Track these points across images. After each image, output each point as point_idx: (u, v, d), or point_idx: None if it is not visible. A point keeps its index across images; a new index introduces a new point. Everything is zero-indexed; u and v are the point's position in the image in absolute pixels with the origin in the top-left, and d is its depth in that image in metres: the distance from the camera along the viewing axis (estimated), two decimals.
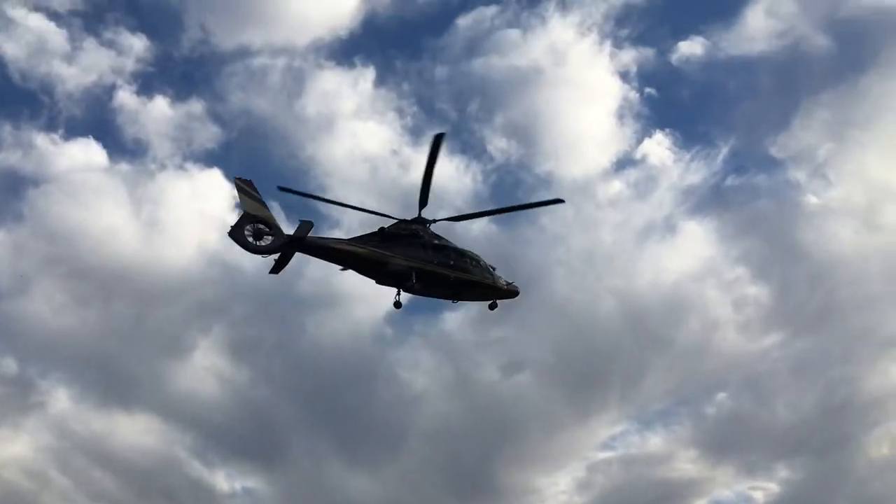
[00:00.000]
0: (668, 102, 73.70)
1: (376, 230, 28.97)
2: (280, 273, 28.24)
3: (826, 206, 65.57)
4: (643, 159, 69.16)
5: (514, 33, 68.90)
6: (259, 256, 26.99)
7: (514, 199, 61.42)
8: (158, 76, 73.85)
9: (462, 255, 29.59)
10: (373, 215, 29.82)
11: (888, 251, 63.63)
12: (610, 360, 61.35)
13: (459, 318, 62.97)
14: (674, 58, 71.90)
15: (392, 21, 73.87)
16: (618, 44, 70.44)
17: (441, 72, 71.36)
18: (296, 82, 71.11)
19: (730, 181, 69.57)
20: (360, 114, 71.72)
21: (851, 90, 68.93)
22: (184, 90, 78.49)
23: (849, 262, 63.18)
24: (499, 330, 60.87)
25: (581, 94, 67.36)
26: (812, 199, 66.12)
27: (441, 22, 76.89)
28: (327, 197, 30.31)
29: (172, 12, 72.23)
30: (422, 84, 70.37)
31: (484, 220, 53.68)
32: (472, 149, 70.06)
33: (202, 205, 68.79)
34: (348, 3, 72.20)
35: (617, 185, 67.87)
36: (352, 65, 71.70)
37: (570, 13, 70.17)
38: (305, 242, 27.07)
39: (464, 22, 71.82)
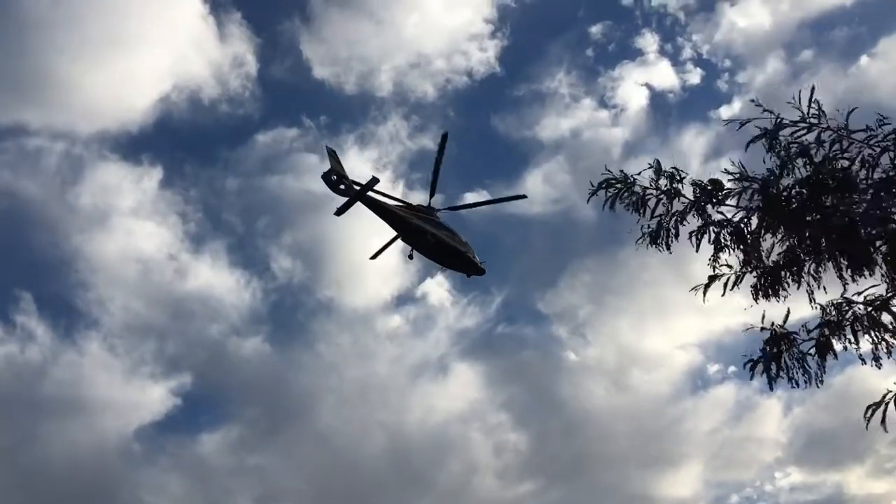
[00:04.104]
0: None
1: (405, 204, 36.52)
2: (341, 215, 34.33)
3: (582, 364, 68.85)
4: (423, 298, 69.22)
5: (311, 158, 67.78)
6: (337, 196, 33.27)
7: (293, 321, 65.61)
8: None
9: (454, 232, 37.68)
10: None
11: (633, 412, 67.53)
12: (371, 497, 60.71)
13: (217, 440, 60.63)
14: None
15: (187, 126, 70.09)
16: (410, 184, 74.39)
17: (232, 183, 68.38)
18: (72, 170, 64.69)
19: (501, 329, 72.11)
20: (139, 212, 66.16)
21: (611, 260, 72.87)
22: None
23: (599, 418, 66.99)
24: (258, 457, 61.04)
25: (371, 226, 70.16)
26: (571, 356, 69.10)
27: (239, 135, 74.60)
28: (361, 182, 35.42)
29: None
30: (211, 192, 67.88)
31: (258, 340, 61.85)
32: (255, 265, 68.11)
33: None
34: (142, 101, 68.55)
35: (396, 320, 67.95)
36: (138, 161, 67.47)
37: (367, 148, 69.80)
38: (367, 197, 33.78)
39: (263, 139, 70.24)
